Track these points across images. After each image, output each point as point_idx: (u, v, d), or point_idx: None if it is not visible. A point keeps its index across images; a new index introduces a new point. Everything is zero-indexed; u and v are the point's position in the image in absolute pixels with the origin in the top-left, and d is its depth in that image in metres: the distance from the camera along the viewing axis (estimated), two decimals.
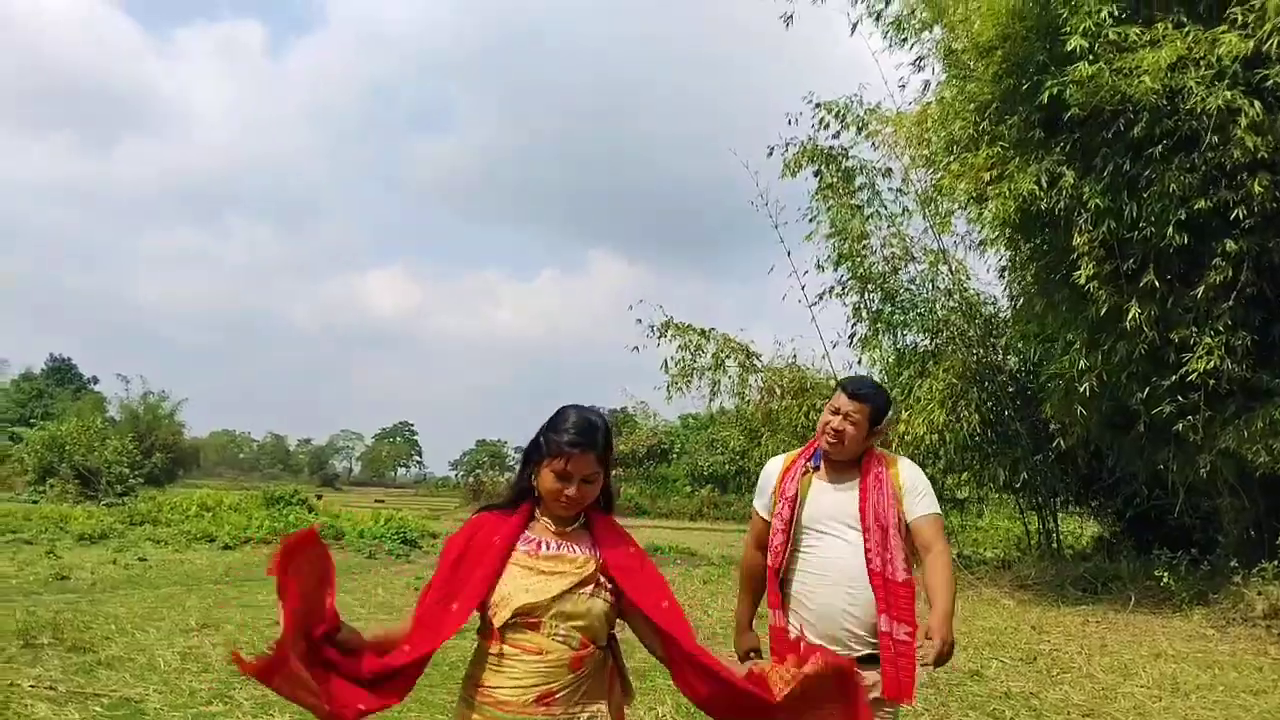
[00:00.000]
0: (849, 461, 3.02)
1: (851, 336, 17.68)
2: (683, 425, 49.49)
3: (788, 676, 2.06)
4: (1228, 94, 9.00)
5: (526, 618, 2.10)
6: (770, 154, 17.27)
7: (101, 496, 21.97)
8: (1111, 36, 9.45)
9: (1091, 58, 9.57)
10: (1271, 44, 8.85)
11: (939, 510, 2.99)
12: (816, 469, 3.06)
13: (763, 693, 2.05)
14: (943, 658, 2.66)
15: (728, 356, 18.56)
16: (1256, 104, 9.02)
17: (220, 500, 20.26)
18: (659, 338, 18.54)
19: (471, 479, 64.72)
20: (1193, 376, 9.70)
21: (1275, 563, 9.59)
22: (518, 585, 2.12)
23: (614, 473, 2.32)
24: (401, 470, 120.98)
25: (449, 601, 2.13)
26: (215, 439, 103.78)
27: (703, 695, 2.11)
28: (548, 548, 2.20)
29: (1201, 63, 9.24)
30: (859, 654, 2.83)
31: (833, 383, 18.10)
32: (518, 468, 2.33)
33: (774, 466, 3.18)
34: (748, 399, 18.65)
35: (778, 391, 17.93)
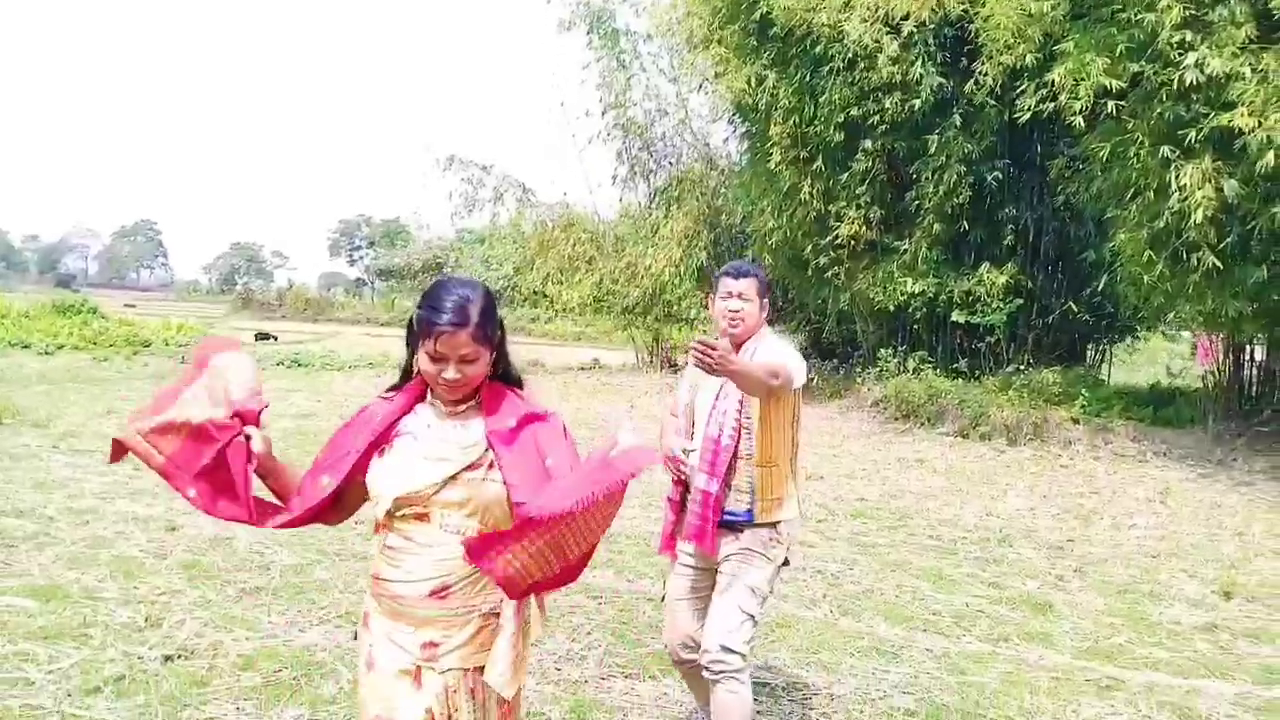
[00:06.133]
0: (741, 344, 3.09)
1: (614, 177, 20.89)
2: (459, 240, 51.27)
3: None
4: (875, 34, 12.41)
5: (414, 508, 1.98)
6: (549, 2, 19.69)
7: None
8: None
9: None
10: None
11: (789, 363, 2.98)
12: None
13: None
14: (718, 359, 2.61)
15: (506, 191, 21.34)
16: (895, 43, 12.52)
17: (10, 307, 20.97)
18: (444, 171, 21.00)
19: (240, 287, 63.96)
20: (841, 239, 13.66)
21: (877, 369, 14.04)
22: (398, 473, 1.99)
23: (508, 342, 2.11)
24: (145, 272, 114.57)
25: (319, 474, 2.03)
26: None
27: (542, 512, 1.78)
28: (433, 430, 2.05)
29: (861, 5, 12.56)
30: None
31: (595, 217, 21.39)
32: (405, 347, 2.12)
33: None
34: (522, 229, 21.58)
35: (550, 225, 20.97)
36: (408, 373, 2.13)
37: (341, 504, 2.09)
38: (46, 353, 16.30)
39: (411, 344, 2.07)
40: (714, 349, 2.60)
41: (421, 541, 1.99)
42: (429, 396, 2.09)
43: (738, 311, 3.07)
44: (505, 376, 2.12)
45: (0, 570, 4.60)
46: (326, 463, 2.05)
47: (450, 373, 1.98)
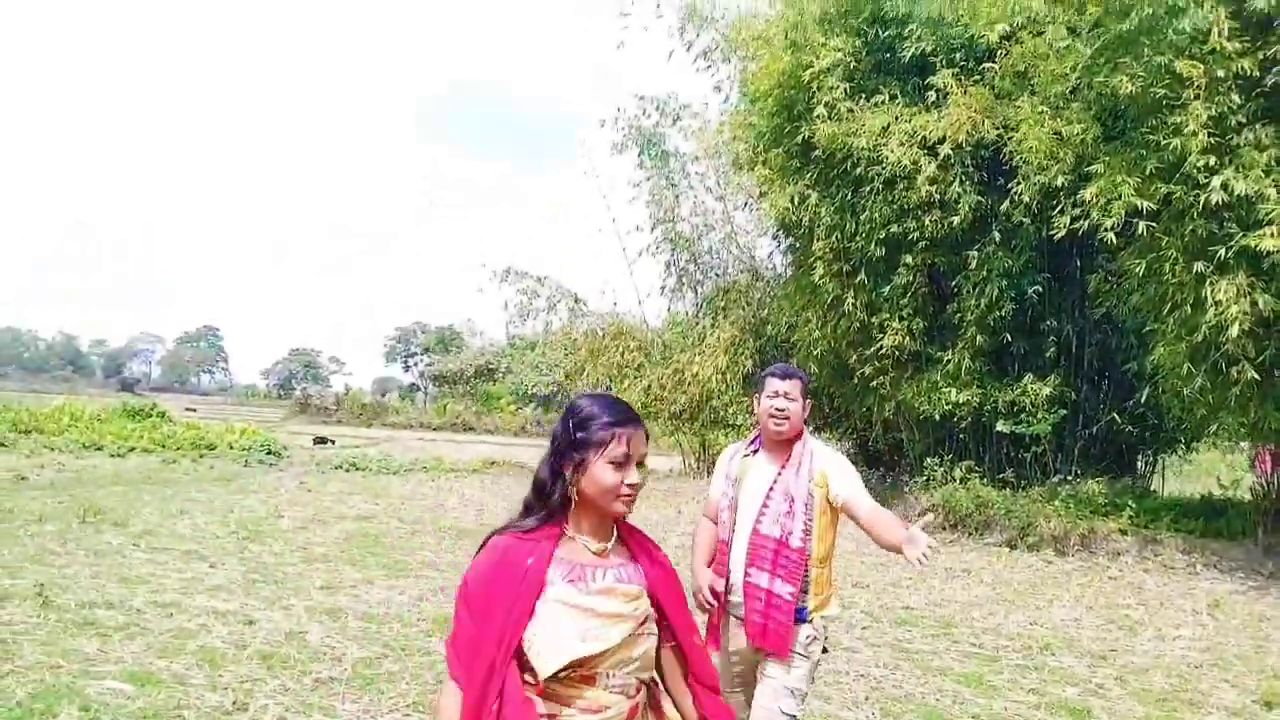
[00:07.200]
0: (785, 443, 3.35)
1: (662, 288, 21.62)
2: (510, 346, 52.51)
3: None
4: (913, 156, 13.00)
5: (580, 670, 1.78)
6: (602, 125, 20.91)
7: None
8: (842, 109, 13.30)
9: (830, 119, 13.39)
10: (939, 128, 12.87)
11: (862, 486, 3.34)
12: (755, 452, 3.44)
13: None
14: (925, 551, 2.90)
15: (559, 301, 22.18)
16: (932, 164, 13.08)
17: (83, 410, 22.01)
18: (500, 282, 21.95)
19: (299, 391, 65.73)
20: (884, 349, 13.99)
21: (924, 477, 14.14)
22: (567, 630, 1.77)
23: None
24: (206, 377, 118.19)
25: (489, 655, 1.75)
26: None
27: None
28: (594, 578, 1.84)
29: (899, 130, 13.21)
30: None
31: (644, 325, 22.05)
32: (544, 480, 1.90)
33: (723, 454, 3.62)
34: (574, 337, 22.29)
35: (600, 333, 21.66)
36: (549, 510, 1.90)
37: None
38: (119, 454, 17.05)
39: (563, 470, 1.88)
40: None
41: (585, 707, 1.80)
42: (568, 532, 1.91)
43: (783, 410, 3.30)
44: None
45: (98, 657, 4.99)
46: (493, 635, 1.78)
47: (634, 476, 1.85)
